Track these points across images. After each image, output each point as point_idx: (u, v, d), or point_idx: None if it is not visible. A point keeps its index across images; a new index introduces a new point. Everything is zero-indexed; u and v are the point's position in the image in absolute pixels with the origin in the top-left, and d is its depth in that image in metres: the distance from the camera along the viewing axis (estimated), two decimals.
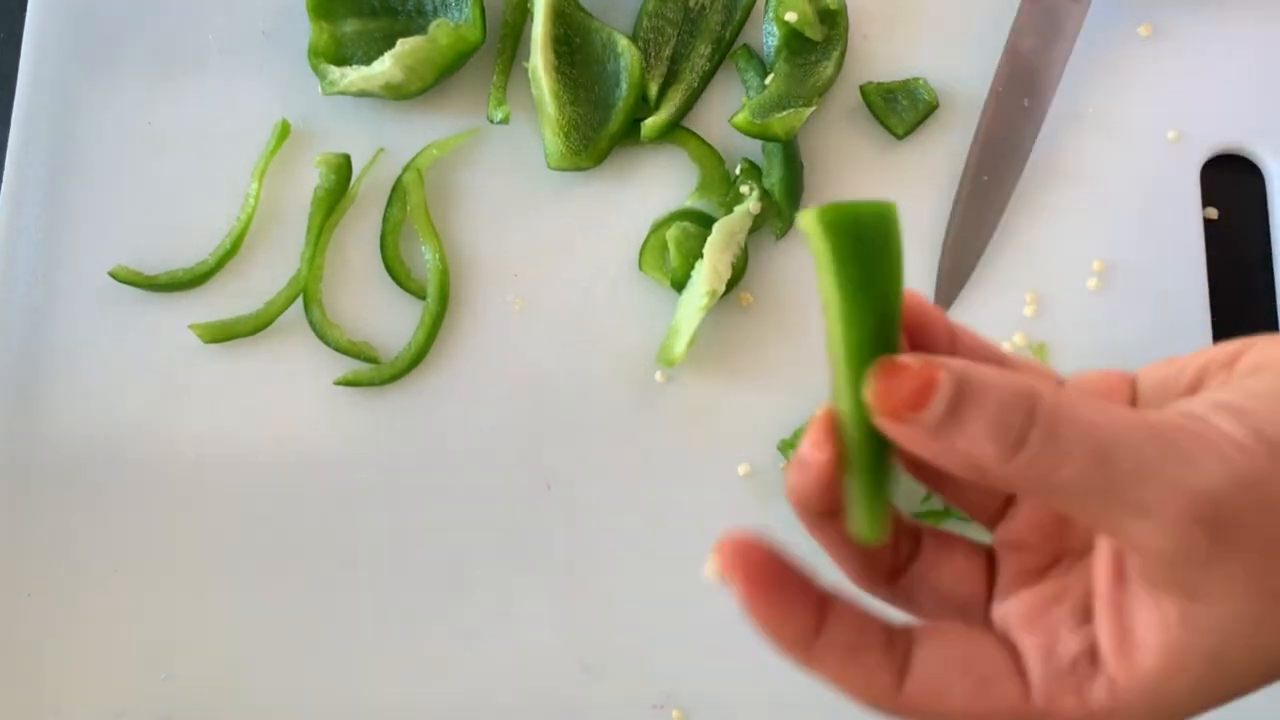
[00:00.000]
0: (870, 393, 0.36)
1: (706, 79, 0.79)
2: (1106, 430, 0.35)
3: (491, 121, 0.78)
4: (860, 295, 0.37)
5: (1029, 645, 0.38)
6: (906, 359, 0.36)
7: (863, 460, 0.38)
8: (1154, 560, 0.35)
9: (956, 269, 0.75)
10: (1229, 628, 0.35)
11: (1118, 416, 0.35)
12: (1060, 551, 0.41)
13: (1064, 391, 0.36)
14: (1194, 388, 0.40)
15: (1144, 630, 0.36)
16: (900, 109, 0.78)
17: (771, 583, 0.38)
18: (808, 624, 0.38)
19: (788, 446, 0.72)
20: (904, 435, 0.36)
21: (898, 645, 0.38)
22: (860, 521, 0.38)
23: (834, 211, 0.38)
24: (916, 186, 0.78)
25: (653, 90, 0.77)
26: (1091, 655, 0.37)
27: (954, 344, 0.41)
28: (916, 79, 0.78)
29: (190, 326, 0.74)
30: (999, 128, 0.77)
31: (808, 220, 0.39)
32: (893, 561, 0.42)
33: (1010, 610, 0.40)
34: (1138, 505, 0.34)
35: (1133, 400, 0.42)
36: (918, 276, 0.76)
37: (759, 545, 0.38)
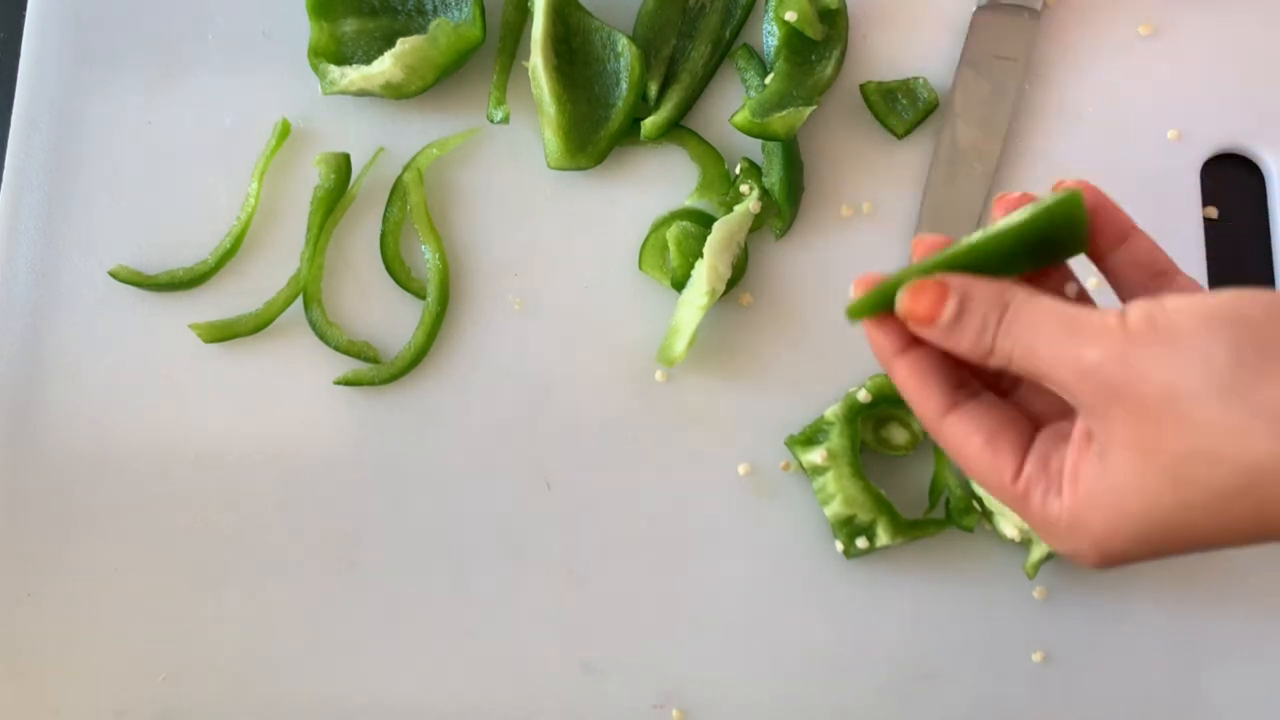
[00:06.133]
0: (901, 305, 0.51)
1: (706, 78, 0.79)
2: (1038, 322, 0.49)
3: (491, 121, 0.78)
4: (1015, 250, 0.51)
5: (1035, 452, 0.52)
6: (930, 281, 0.50)
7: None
8: (1081, 417, 0.50)
9: None
10: (1123, 480, 0.48)
11: (1046, 308, 0.49)
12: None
13: (1027, 300, 0.49)
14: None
15: (1083, 473, 0.50)
16: (900, 108, 0.78)
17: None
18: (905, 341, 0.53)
19: (795, 443, 0.72)
20: (929, 335, 0.51)
21: (960, 390, 0.53)
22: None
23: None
24: (916, 186, 0.77)
25: (652, 89, 0.77)
26: (1062, 478, 0.51)
27: (1128, 242, 0.53)
28: (916, 79, 0.78)
29: (190, 326, 0.74)
30: (946, 192, 0.77)
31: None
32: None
33: (1042, 433, 0.53)
34: (1052, 376, 0.49)
35: None
36: None
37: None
